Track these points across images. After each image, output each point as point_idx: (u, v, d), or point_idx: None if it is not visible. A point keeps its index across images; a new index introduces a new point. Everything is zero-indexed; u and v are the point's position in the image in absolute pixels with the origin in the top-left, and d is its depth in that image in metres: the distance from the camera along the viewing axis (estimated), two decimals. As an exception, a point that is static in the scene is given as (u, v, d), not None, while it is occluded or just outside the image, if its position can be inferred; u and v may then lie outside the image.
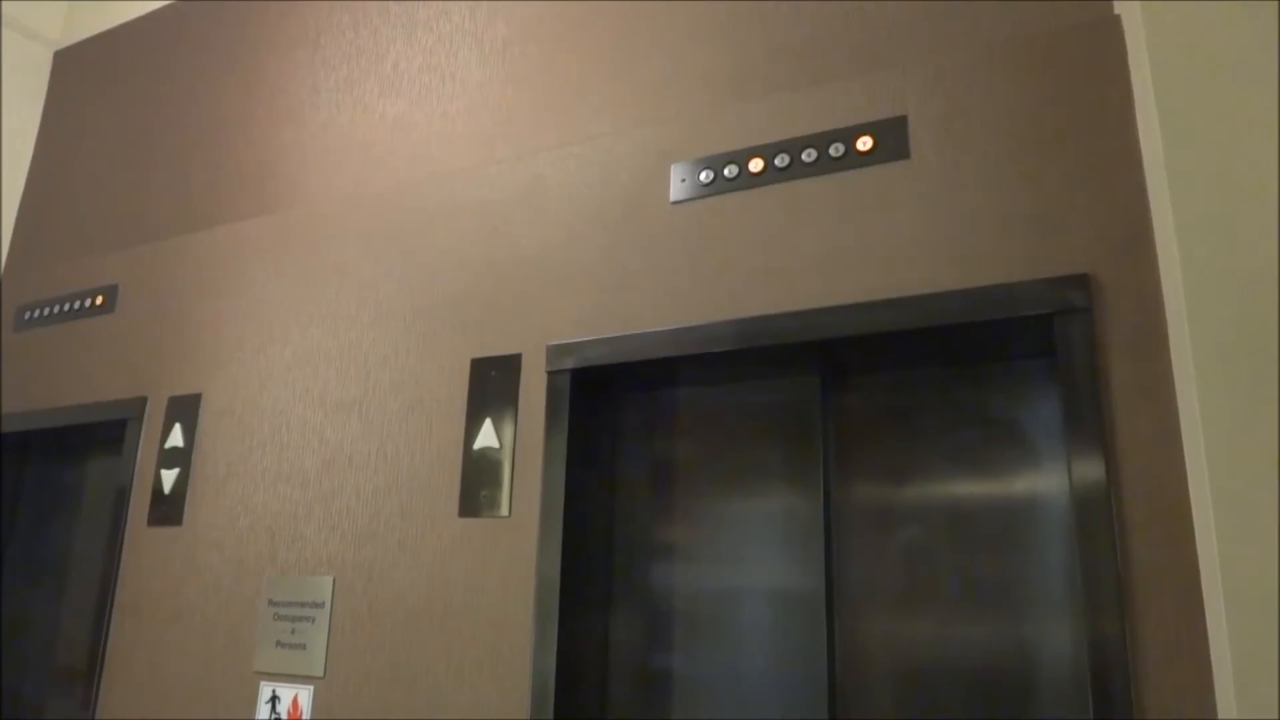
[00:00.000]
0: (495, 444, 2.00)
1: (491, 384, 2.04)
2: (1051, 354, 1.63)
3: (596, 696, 1.95)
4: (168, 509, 2.43)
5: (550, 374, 1.98)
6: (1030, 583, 1.67)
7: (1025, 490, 1.71)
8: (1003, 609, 1.68)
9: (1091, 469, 1.48)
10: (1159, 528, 1.43)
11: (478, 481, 1.99)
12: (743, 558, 1.91)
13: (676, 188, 1.97)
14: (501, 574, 1.92)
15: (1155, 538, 1.43)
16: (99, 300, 2.80)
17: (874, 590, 1.79)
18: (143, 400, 2.58)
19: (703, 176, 1.95)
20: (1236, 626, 1.26)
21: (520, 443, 1.98)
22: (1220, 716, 1.32)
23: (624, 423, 2.10)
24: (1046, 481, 1.69)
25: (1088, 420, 1.51)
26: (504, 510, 1.95)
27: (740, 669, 1.86)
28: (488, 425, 2.02)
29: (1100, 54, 1.65)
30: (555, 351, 1.99)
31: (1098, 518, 1.46)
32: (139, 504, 2.50)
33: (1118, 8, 1.67)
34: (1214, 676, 1.35)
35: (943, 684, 1.69)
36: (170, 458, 2.47)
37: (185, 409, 2.49)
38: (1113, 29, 1.66)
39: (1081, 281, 1.55)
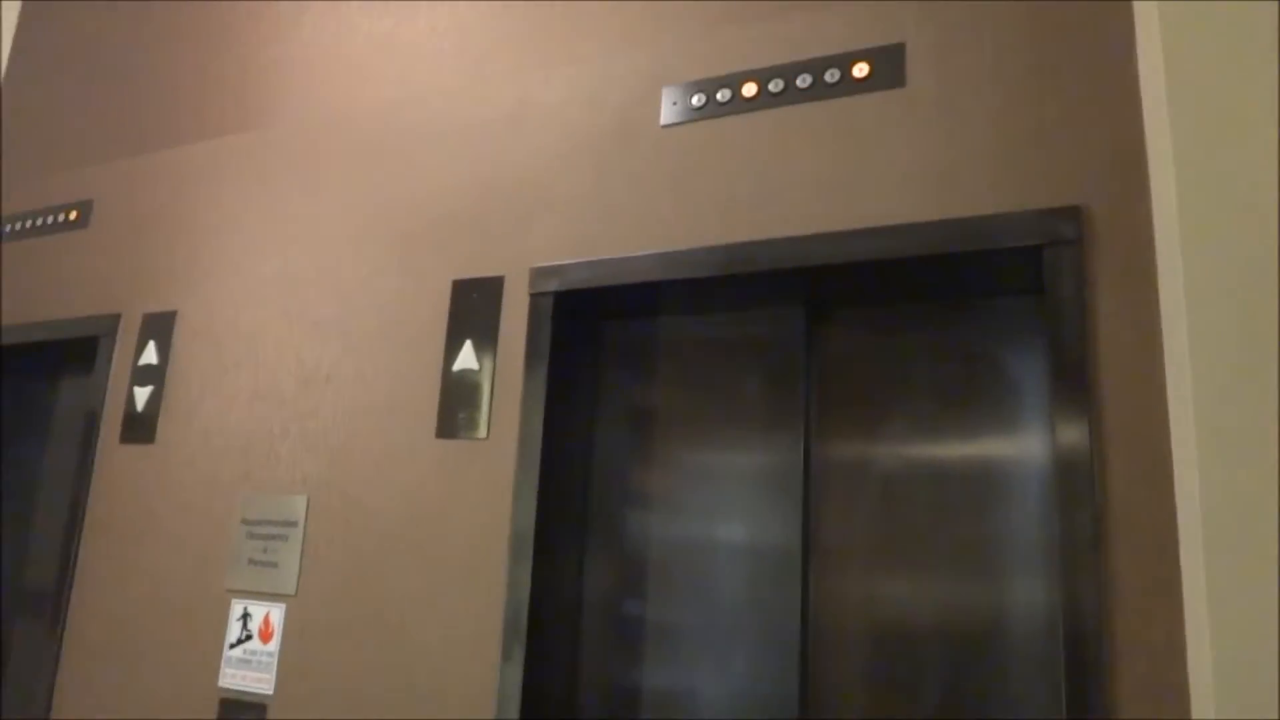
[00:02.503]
0: (475, 366, 1.97)
1: (473, 306, 2.01)
2: (1040, 290, 1.61)
3: (570, 626, 1.95)
4: (140, 427, 2.40)
5: (533, 296, 1.95)
6: (1011, 539, 1.67)
7: (1009, 443, 1.71)
8: (981, 568, 1.68)
9: (1074, 428, 1.48)
10: (1140, 474, 1.43)
11: (456, 403, 1.97)
12: (721, 484, 1.91)
13: (668, 111, 1.93)
14: (478, 497, 1.91)
15: (1136, 490, 1.43)
16: (73, 215, 2.73)
17: (851, 543, 1.79)
18: (116, 317, 2.53)
19: (694, 100, 1.90)
20: (1216, 588, 1.24)
21: (500, 366, 1.95)
22: (1192, 679, 1.32)
23: (606, 351, 2.08)
24: (1030, 440, 1.69)
25: (1072, 355, 1.50)
26: (482, 432, 1.93)
27: (713, 618, 1.87)
28: (468, 347, 1.99)
29: (1104, -17, 1.62)
30: (538, 274, 1.96)
31: (1079, 467, 1.46)
32: (111, 422, 2.47)
33: (1124, -63, 1.63)
34: (1187, 639, 1.35)
35: (916, 643, 1.70)
36: (144, 375, 2.43)
37: (160, 326, 2.45)
38: (1118, -42, 1.62)
39: (1073, 213, 1.53)
